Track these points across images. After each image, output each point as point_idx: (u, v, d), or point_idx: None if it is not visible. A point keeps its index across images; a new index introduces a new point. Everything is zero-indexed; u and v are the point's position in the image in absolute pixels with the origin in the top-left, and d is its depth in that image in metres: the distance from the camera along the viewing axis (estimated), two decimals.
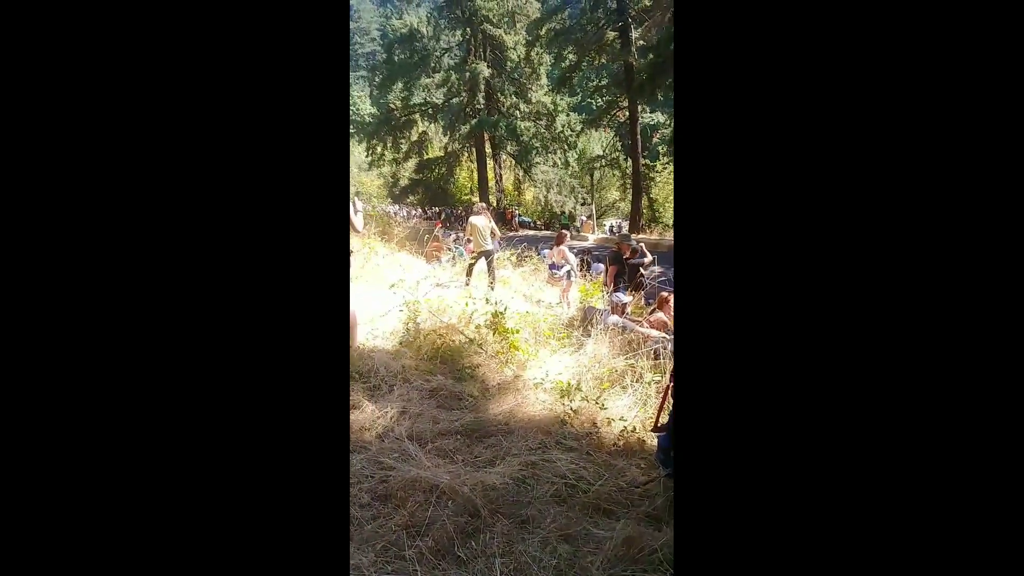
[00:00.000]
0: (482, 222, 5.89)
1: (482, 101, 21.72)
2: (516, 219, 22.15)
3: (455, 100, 22.92)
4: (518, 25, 22.13)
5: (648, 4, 17.95)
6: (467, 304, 4.19)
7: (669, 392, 2.58)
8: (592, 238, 17.96)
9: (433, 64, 23.09)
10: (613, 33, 18.76)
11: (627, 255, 6.11)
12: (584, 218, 22.13)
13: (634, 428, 2.84)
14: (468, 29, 22.16)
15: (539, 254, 8.22)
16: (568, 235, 7.08)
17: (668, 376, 2.65)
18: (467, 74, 21.55)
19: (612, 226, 21.16)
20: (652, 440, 2.68)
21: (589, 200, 23.59)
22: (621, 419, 2.90)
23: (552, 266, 6.97)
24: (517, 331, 3.75)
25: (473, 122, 21.67)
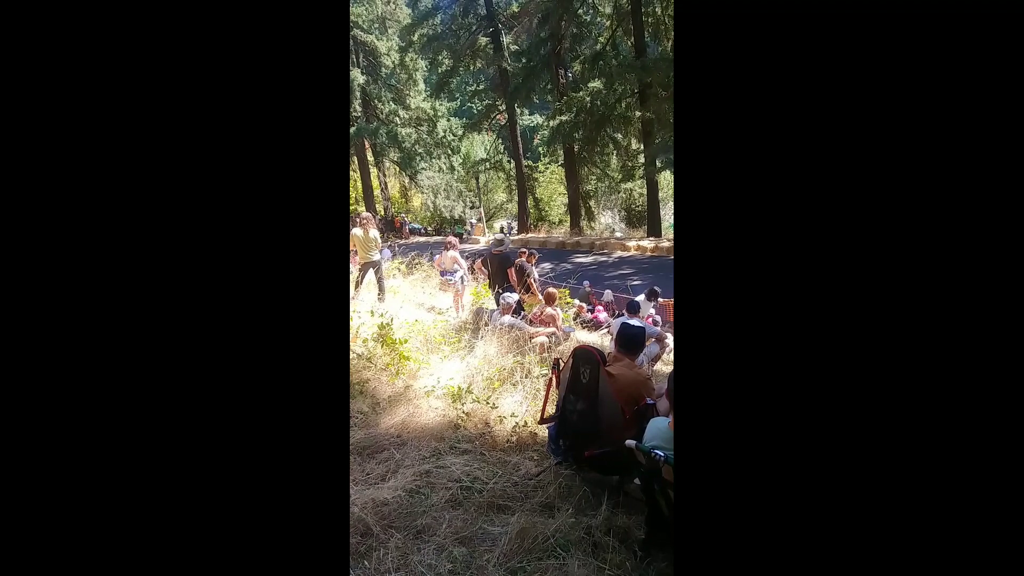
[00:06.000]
0: (362, 233, 5.72)
1: (359, 108, 21.06)
2: (406, 227, 21.79)
3: None
4: (390, 31, 21.73)
5: (516, 10, 18.52)
6: (351, 318, 4.06)
7: (553, 384, 2.69)
8: (483, 240, 18.16)
9: None
10: (485, 39, 19.11)
11: (524, 258, 6.25)
12: (474, 221, 22.29)
13: (525, 423, 2.92)
14: None
15: (429, 261, 8.15)
16: (457, 241, 7.09)
17: (551, 369, 2.76)
18: None
19: (502, 226, 21.51)
20: (543, 432, 2.78)
21: (477, 203, 23.77)
22: (512, 416, 2.98)
23: (444, 272, 6.94)
24: (405, 341, 3.70)
25: (352, 130, 20.94)
